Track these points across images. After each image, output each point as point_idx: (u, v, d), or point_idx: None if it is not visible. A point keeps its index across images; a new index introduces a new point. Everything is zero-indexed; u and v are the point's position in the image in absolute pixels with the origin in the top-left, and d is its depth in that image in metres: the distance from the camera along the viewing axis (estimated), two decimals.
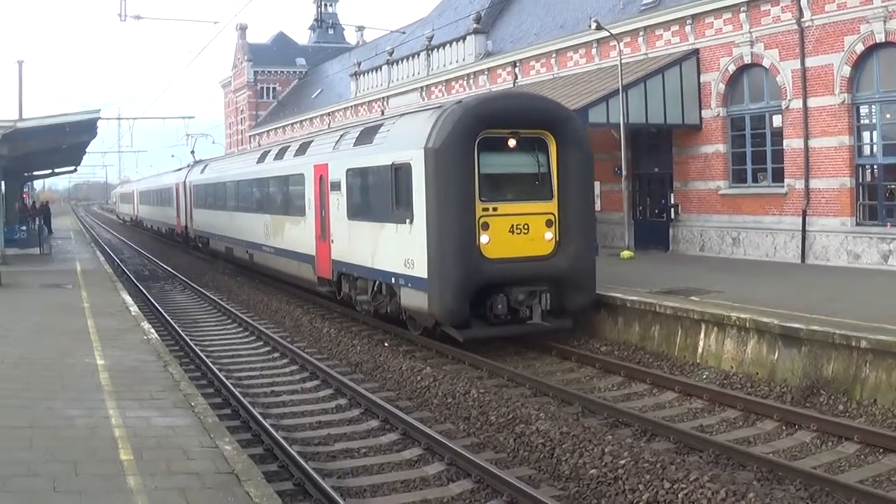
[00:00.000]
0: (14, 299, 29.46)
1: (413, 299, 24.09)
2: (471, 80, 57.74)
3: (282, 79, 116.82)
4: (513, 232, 23.41)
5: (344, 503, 12.91)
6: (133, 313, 26.59)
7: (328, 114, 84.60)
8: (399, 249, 24.56)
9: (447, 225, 22.63)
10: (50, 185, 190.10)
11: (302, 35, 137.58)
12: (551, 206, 23.85)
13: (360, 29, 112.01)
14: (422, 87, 64.65)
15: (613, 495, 13.56)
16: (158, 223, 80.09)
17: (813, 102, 33.07)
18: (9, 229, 49.09)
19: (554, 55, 48.63)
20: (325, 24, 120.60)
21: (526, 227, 23.57)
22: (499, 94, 30.83)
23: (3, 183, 46.36)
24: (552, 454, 15.42)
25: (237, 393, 19.50)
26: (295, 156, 35.15)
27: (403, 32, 71.01)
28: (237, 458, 12.53)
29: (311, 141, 34.68)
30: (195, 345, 25.41)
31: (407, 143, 24.19)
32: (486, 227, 23.08)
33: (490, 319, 23.50)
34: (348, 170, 28.52)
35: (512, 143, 23.66)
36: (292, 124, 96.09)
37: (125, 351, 20.46)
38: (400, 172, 24.34)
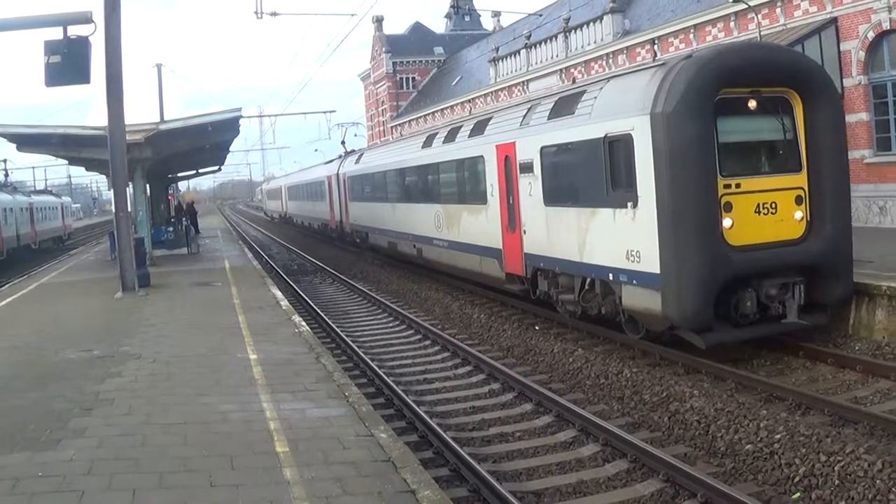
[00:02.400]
0: (165, 299, 29.95)
1: (639, 299, 20.04)
2: (610, 60, 57.36)
3: (420, 68, 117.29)
4: (759, 212, 19.45)
5: (501, 487, 12.93)
6: (283, 307, 26.87)
7: (469, 101, 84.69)
8: (618, 239, 20.50)
9: (684, 207, 18.53)
10: (194, 185, 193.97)
11: (438, 24, 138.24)
12: (800, 180, 19.96)
13: (497, 14, 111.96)
14: (561, 70, 64.39)
15: (770, 470, 13.42)
16: (310, 219, 77.62)
17: None
18: (156, 231, 50.20)
19: (692, 30, 48.11)
20: (462, 11, 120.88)
21: (773, 205, 19.58)
22: (737, 46, 25.18)
23: (148, 185, 47.29)
24: (707, 431, 15.31)
25: (390, 381, 19.69)
26: (470, 136, 30.82)
27: (540, 15, 70.84)
28: (393, 446, 12.58)
29: (490, 118, 29.93)
30: (346, 336, 25.73)
31: (624, 110, 20.17)
32: (728, 207, 19.08)
33: (735, 319, 19.52)
34: (543, 148, 24.30)
35: (752, 104, 19.72)
36: (433, 113, 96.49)
37: (277, 344, 20.67)
38: (616, 146, 20.41)
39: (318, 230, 72.67)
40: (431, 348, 24.58)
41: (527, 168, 25.39)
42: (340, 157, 63.50)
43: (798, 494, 12.56)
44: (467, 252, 31.39)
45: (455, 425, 17.06)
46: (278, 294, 30.19)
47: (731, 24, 44.34)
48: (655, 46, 51.35)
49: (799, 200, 19.90)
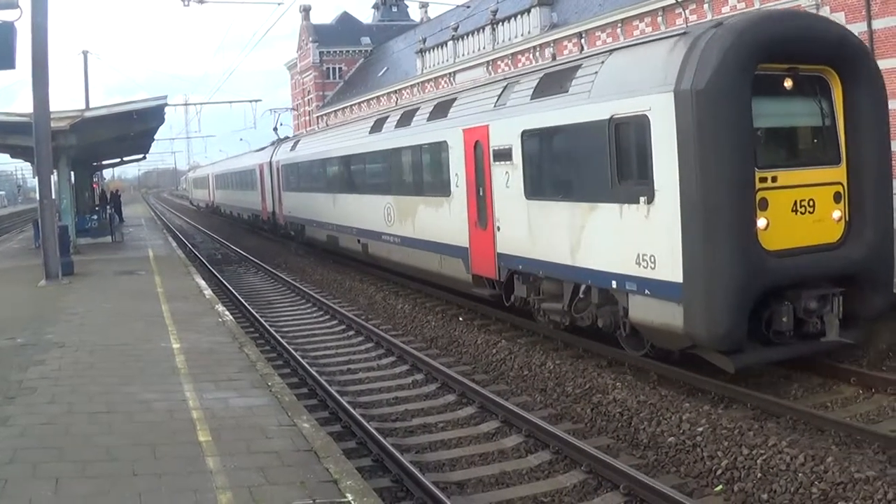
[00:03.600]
0: (89, 287, 29.64)
1: (653, 312, 16.96)
2: (537, 53, 57.61)
3: (347, 59, 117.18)
4: (795, 211, 16.50)
5: (424, 477, 12.91)
6: (207, 297, 26.75)
7: (395, 91, 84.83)
8: (626, 241, 17.32)
9: (717, 203, 15.51)
10: (119, 173, 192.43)
11: (366, 14, 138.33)
12: (839, 174, 17.03)
13: (424, 5, 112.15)
14: (488, 62, 64.61)
15: (692, 462, 13.51)
16: (239, 209, 73.75)
17: (882, 64, 32.65)
18: (80, 219, 49.67)
19: (619, 25, 48.49)
20: (389, 1, 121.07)
21: (811, 203, 16.63)
22: (776, 14, 19.48)
23: (72, 173, 46.83)
24: (630, 423, 15.40)
25: (313, 371, 19.60)
26: (430, 120, 27.31)
27: (468, 6, 70.92)
28: (315, 436, 12.60)
29: (454, 99, 26.47)
30: (270, 325, 25.61)
31: (637, 87, 16.94)
32: (763, 205, 16.05)
33: (767, 337, 16.60)
34: (525, 132, 21.07)
35: (788, 83, 16.72)
36: (359, 103, 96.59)
37: (200, 334, 20.56)
38: (626, 129, 17.26)
39: (249, 221, 69.37)
40: (355, 338, 24.50)
41: (503, 155, 22.22)
42: (273, 143, 59.83)
43: (720, 487, 12.66)
44: (425, 250, 27.90)
45: (378, 416, 17.04)
46: (202, 283, 30.06)
47: (659, 18, 44.72)
48: (582, 40, 51.65)
49: (837, 198, 17.02)
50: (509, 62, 61.51)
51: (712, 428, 14.17)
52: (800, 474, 12.17)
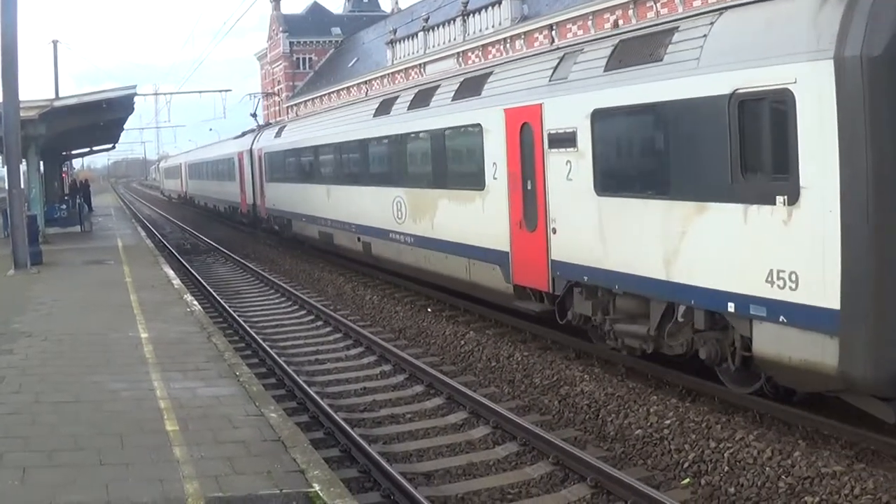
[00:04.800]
0: (57, 277, 29.57)
1: (790, 346, 13.04)
2: (507, 45, 57.60)
3: (318, 49, 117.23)
4: None
5: (391, 468, 12.89)
6: (176, 286, 26.69)
7: (365, 82, 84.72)
8: (753, 252, 13.42)
9: (890, 207, 11.84)
10: (88, 163, 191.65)
11: (336, 4, 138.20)
12: None
13: None
14: (458, 53, 64.57)
15: (659, 455, 13.51)
16: (215, 200, 69.48)
17: None
18: (49, 208, 49.41)
19: (591, 17, 48.50)
20: None
21: None
22: None
23: (41, 163, 46.64)
24: (597, 415, 15.39)
25: (281, 362, 19.55)
26: (456, 99, 23.03)
27: None
28: (283, 426, 12.59)
29: (489, 73, 22.06)
30: (238, 315, 25.53)
31: (773, 52, 12.91)
32: None
33: None
34: (597, 112, 16.80)
35: None
36: (329, 94, 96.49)
37: (168, 324, 20.51)
38: (755, 108, 13.33)
39: (226, 214, 64.99)
40: (323, 329, 24.46)
41: (564, 141, 17.94)
42: (254, 130, 55.51)
43: (688, 480, 12.66)
44: (448, 253, 23.80)
45: (346, 406, 17.00)
46: (170, 273, 30.00)
47: (630, 12, 44.70)
48: (553, 32, 51.64)
49: None
50: (480, 54, 61.53)
51: (680, 421, 14.18)
52: (767, 468, 12.20)
